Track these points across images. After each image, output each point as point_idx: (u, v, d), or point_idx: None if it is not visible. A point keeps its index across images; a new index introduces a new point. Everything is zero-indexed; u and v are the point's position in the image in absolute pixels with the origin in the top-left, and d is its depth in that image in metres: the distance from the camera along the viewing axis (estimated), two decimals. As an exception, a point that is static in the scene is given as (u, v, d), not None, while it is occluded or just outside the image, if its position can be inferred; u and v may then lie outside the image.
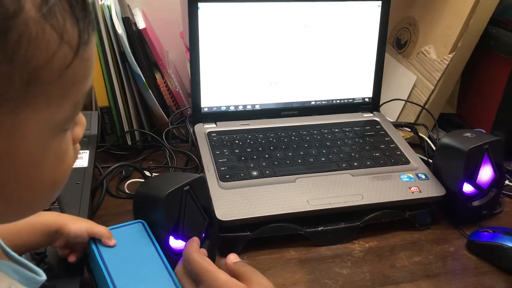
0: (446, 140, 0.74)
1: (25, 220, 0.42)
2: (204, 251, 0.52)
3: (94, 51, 0.32)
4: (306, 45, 0.87)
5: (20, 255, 0.42)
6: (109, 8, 0.81)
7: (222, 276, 0.48)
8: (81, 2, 0.29)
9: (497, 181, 0.75)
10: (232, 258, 0.52)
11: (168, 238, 0.57)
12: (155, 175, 0.70)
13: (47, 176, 0.32)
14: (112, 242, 0.54)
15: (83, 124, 0.36)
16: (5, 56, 0.25)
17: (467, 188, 0.74)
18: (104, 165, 0.82)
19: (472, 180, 0.73)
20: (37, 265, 0.54)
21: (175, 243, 0.58)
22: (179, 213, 0.58)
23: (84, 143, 0.74)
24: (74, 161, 0.35)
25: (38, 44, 0.27)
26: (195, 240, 0.52)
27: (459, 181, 0.72)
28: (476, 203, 0.75)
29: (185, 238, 0.57)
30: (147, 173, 0.82)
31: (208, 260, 0.50)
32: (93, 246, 0.53)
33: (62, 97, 0.29)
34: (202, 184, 0.61)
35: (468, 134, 0.74)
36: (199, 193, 0.60)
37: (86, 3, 0.30)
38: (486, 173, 0.74)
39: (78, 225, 0.54)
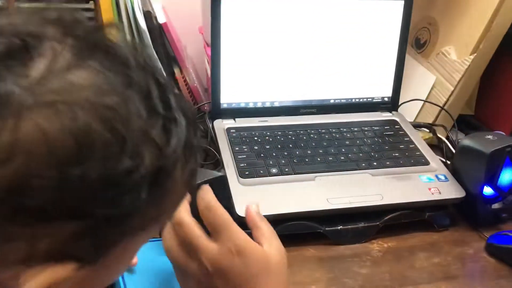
0: (467, 142, 0.74)
1: None
2: None
3: None
4: (327, 42, 0.87)
5: None
6: (131, 1, 0.81)
7: (243, 235, 0.47)
8: (199, 155, 0.35)
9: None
10: (255, 207, 0.51)
11: None
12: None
13: (122, 271, 0.39)
14: (134, 261, 0.53)
15: None
16: (155, 204, 0.30)
17: (487, 190, 0.73)
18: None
19: (493, 183, 0.72)
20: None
21: None
22: (197, 210, 0.57)
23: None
24: None
25: (174, 193, 0.32)
26: (210, 189, 0.49)
27: (480, 184, 0.72)
28: (495, 206, 0.74)
29: None
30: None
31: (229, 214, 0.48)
32: None
33: (167, 219, 0.37)
34: (222, 183, 0.60)
35: (490, 137, 0.74)
36: (219, 192, 0.59)
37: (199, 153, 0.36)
38: (506, 176, 0.73)
39: None
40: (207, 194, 0.48)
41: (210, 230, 0.47)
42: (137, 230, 0.31)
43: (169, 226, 0.49)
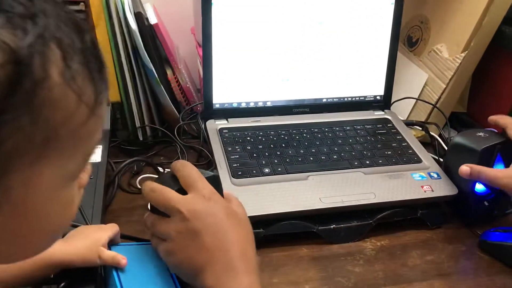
0: (459, 139, 0.74)
1: None
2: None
3: (105, 106, 0.34)
4: (319, 42, 0.87)
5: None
6: (122, 3, 0.81)
7: (213, 188, 0.54)
8: (98, 65, 0.31)
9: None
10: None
11: None
12: (168, 171, 0.70)
13: (55, 222, 0.34)
14: (122, 262, 0.53)
15: (88, 170, 0.38)
16: (30, 118, 0.27)
17: (479, 187, 0.74)
18: (115, 160, 0.82)
19: None
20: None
21: None
22: None
23: (97, 138, 0.74)
24: (78, 206, 0.37)
25: (60, 106, 0.29)
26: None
27: (471, 181, 0.72)
28: (488, 202, 0.75)
29: None
30: (160, 169, 0.82)
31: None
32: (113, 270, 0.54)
33: (74, 150, 0.31)
34: (216, 182, 0.60)
35: (481, 134, 0.74)
36: None
37: (103, 65, 0.32)
38: None
39: (84, 258, 0.53)
40: (182, 161, 0.56)
41: (184, 184, 0.54)
42: (22, 156, 0.28)
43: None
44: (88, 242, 0.54)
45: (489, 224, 0.74)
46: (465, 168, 0.69)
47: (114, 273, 0.53)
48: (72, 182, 0.34)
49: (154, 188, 0.54)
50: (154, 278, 0.53)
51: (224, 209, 0.52)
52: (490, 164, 0.72)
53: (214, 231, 0.50)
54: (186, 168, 0.54)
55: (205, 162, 0.84)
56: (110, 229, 0.57)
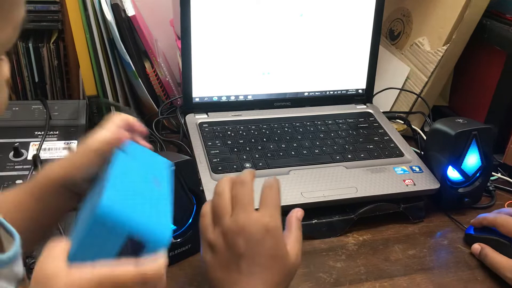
0: (437, 125, 0.74)
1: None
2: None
3: None
4: (300, 35, 0.85)
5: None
6: (98, -6, 0.79)
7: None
8: None
9: (483, 170, 0.75)
10: (299, 214, 0.55)
11: None
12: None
13: None
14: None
15: (7, 64, 0.38)
16: None
17: (452, 173, 0.74)
18: (92, 156, 0.80)
19: (457, 165, 0.73)
20: (28, 270, 0.51)
21: None
22: None
23: (72, 133, 0.72)
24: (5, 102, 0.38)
25: None
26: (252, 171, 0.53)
27: (444, 165, 0.72)
28: (461, 190, 0.75)
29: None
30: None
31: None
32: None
33: (4, 21, 0.33)
34: (190, 166, 0.59)
35: (460, 120, 0.74)
36: (187, 176, 0.58)
37: None
38: (472, 160, 0.74)
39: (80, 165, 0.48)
40: (247, 172, 0.52)
41: (233, 205, 0.50)
42: None
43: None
44: (80, 149, 0.49)
45: (467, 215, 0.74)
46: (476, 246, 0.67)
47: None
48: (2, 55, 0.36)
49: (221, 193, 0.51)
50: (150, 192, 0.43)
51: (278, 246, 0.49)
52: (464, 150, 0.72)
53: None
54: (271, 191, 0.52)
55: (185, 157, 0.83)
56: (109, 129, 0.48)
